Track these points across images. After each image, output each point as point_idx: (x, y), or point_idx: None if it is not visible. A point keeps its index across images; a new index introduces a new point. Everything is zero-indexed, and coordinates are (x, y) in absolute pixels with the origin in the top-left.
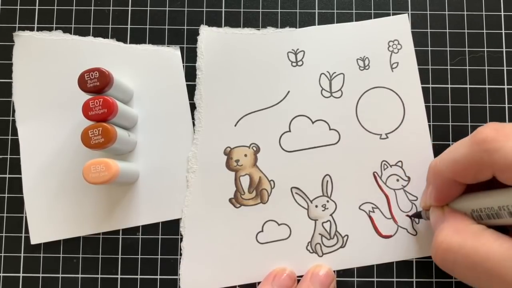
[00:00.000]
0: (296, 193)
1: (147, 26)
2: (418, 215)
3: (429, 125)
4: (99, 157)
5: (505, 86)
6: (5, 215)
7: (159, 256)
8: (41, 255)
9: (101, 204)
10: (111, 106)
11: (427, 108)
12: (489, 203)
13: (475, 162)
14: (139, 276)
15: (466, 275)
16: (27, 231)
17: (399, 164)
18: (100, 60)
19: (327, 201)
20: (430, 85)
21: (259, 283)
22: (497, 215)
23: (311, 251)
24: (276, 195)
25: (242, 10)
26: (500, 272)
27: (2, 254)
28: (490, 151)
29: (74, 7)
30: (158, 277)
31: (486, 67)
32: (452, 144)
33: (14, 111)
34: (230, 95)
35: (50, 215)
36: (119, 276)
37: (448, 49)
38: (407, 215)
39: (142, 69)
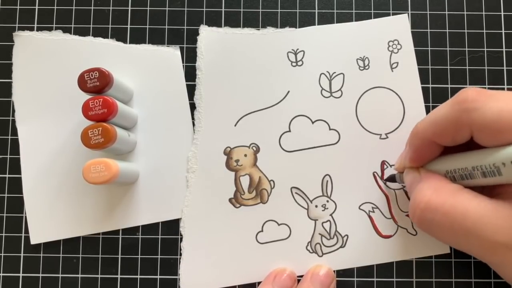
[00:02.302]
0: (296, 193)
1: (147, 26)
2: (392, 178)
3: None
4: (99, 157)
5: (505, 86)
6: (5, 215)
7: (159, 256)
8: (41, 255)
9: (101, 204)
10: (111, 106)
11: (427, 108)
12: (463, 164)
13: (454, 121)
14: (139, 276)
15: (444, 234)
16: (27, 231)
17: None
18: (100, 60)
19: (327, 201)
20: (430, 85)
21: (259, 283)
22: (470, 175)
23: (311, 251)
24: (276, 195)
25: (242, 10)
26: (477, 229)
27: (2, 254)
28: (470, 110)
29: (74, 7)
30: (158, 277)
31: (486, 67)
32: None
33: (14, 111)
34: (230, 95)
35: (50, 215)
36: (119, 276)
37: (448, 49)
38: (383, 180)
39: (142, 69)
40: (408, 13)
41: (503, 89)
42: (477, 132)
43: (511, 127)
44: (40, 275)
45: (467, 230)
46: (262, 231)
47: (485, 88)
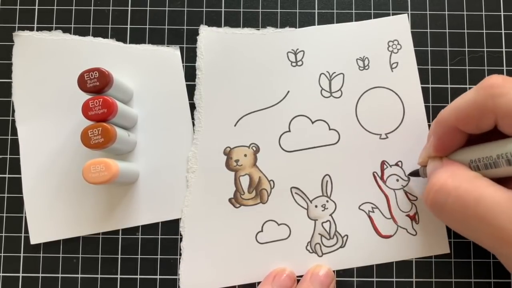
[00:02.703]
0: (295, 193)
1: (147, 26)
2: (415, 173)
3: (429, 125)
4: (99, 157)
5: None
6: (5, 215)
7: (158, 256)
8: (41, 255)
9: (101, 204)
10: (111, 106)
11: (427, 108)
12: (487, 152)
13: (478, 107)
14: (138, 276)
15: (456, 219)
16: (27, 231)
17: (399, 164)
18: (100, 60)
19: (327, 201)
20: (430, 85)
21: (258, 283)
22: (494, 164)
23: (311, 251)
24: (275, 195)
25: (241, 10)
26: (490, 217)
27: (2, 254)
28: (495, 95)
29: (74, 7)
30: (158, 277)
31: (486, 67)
32: None
33: (14, 111)
34: (230, 95)
35: (50, 215)
36: (118, 276)
37: (448, 49)
38: (407, 175)
39: (142, 69)
40: (408, 13)
41: None
42: (502, 119)
43: None
44: (40, 275)
45: (479, 216)
46: (262, 231)
47: None
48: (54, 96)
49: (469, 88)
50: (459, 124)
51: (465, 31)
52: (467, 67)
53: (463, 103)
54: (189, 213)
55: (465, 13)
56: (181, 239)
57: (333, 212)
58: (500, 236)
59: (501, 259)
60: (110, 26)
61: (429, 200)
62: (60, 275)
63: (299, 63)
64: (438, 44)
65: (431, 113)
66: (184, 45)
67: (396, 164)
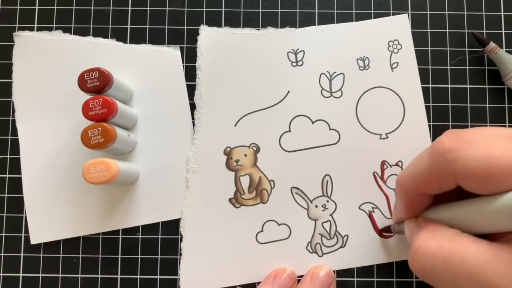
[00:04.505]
0: (296, 193)
1: (147, 26)
2: (387, 229)
3: (429, 125)
4: (99, 157)
5: (505, 86)
6: (5, 215)
7: (159, 256)
8: (41, 255)
9: (101, 204)
10: (111, 106)
11: (427, 108)
12: (461, 212)
13: (437, 174)
14: (139, 276)
15: (447, 282)
16: (27, 231)
17: (399, 164)
18: (100, 60)
19: (327, 201)
20: (430, 85)
21: (259, 283)
22: (470, 224)
23: (311, 251)
24: (276, 195)
25: (242, 10)
26: (478, 275)
27: (2, 254)
28: (450, 161)
29: (74, 7)
30: (158, 277)
31: (486, 67)
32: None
33: (14, 111)
34: (230, 95)
35: (50, 215)
36: (119, 276)
37: (448, 49)
38: (379, 232)
39: (142, 69)
40: (408, 13)
41: (503, 89)
42: (463, 181)
43: (498, 173)
44: (40, 275)
45: (468, 275)
46: (262, 231)
47: (485, 88)
48: (54, 96)
49: (469, 88)
50: (421, 190)
51: (465, 31)
52: (467, 67)
53: (420, 170)
54: (189, 213)
55: (465, 13)
56: (181, 239)
57: (333, 212)
58: None
59: None
60: (110, 26)
61: (414, 265)
62: (60, 275)
63: (300, 63)
64: (438, 44)
65: (431, 113)
66: (184, 45)
67: (396, 164)
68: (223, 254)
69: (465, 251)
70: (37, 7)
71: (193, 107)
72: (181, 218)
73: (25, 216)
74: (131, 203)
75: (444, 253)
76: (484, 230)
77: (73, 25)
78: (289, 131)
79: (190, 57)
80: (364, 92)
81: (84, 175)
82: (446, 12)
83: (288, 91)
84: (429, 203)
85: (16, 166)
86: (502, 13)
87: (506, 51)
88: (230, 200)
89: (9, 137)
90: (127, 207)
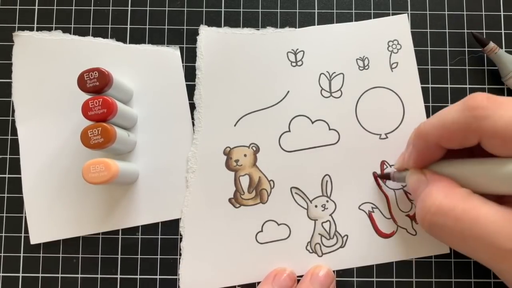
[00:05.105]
0: (295, 193)
1: (147, 26)
2: (387, 176)
3: None
4: (99, 157)
5: (505, 86)
6: (4, 215)
7: (158, 256)
8: (41, 255)
9: (100, 204)
10: (111, 106)
11: (427, 108)
12: (473, 171)
13: (463, 127)
14: (138, 276)
15: (454, 239)
16: (26, 231)
17: None
18: (99, 60)
19: (327, 201)
20: (430, 85)
21: (258, 283)
22: (480, 183)
23: (311, 251)
24: (275, 195)
25: (241, 10)
26: (487, 235)
27: (2, 254)
28: (480, 118)
29: (73, 7)
30: (158, 277)
31: (485, 67)
32: None
33: (13, 111)
34: (229, 95)
35: (50, 215)
36: (118, 276)
37: (448, 49)
38: (375, 175)
39: (142, 69)
40: (408, 13)
41: (503, 89)
42: (487, 140)
43: None
44: (40, 275)
45: (477, 236)
46: (262, 231)
47: (485, 88)
48: (54, 96)
49: (469, 88)
50: (442, 141)
51: (465, 31)
52: (467, 67)
53: (447, 121)
54: (189, 213)
55: (465, 13)
56: (181, 239)
57: (333, 212)
58: (499, 253)
59: (500, 275)
60: (110, 26)
61: (426, 222)
62: (60, 275)
63: (299, 63)
64: (437, 44)
65: (431, 113)
66: (184, 45)
67: None
68: (223, 254)
69: (478, 212)
70: (36, 7)
71: (192, 107)
72: (180, 218)
73: (25, 216)
74: (131, 203)
75: (457, 212)
76: (493, 191)
77: (72, 25)
78: (289, 131)
79: (189, 57)
80: (364, 92)
81: (84, 175)
82: (446, 12)
83: (288, 91)
84: (441, 157)
85: (16, 166)
86: (502, 13)
87: (505, 51)
88: (229, 200)
89: (9, 137)
90: (127, 207)
